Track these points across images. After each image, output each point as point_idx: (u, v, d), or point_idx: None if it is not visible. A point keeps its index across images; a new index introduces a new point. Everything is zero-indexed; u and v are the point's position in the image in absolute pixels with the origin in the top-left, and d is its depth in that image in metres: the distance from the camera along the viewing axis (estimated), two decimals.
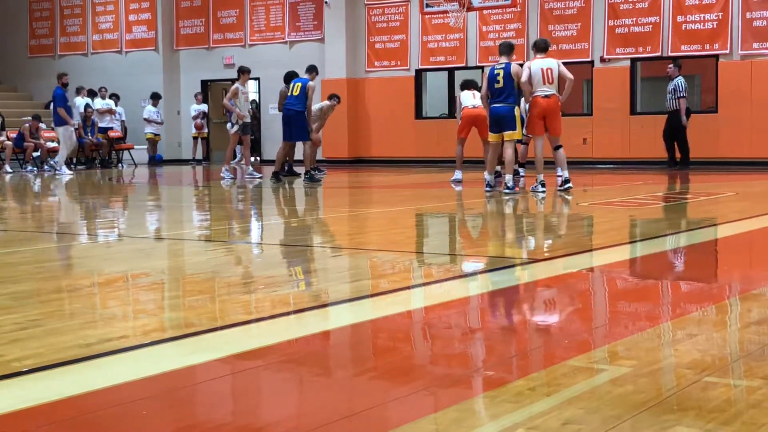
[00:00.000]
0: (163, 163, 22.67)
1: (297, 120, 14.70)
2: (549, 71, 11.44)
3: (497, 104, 11.37)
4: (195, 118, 22.46)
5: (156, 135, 22.40)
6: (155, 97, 22.19)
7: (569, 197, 10.94)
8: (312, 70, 15.08)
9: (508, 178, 11.39)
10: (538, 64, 11.52)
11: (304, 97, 14.54)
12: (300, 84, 14.63)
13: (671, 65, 17.03)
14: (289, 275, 5.57)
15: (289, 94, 14.79)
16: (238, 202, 12.12)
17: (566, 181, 11.41)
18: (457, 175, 13.93)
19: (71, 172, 18.47)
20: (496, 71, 11.37)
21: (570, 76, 11.56)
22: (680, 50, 17.98)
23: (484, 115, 12.65)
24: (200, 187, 15.48)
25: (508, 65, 11.36)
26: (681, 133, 16.87)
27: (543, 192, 11.20)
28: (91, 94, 21.50)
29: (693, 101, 20.08)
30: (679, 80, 16.78)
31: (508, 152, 11.43)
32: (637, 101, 18.69)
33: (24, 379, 3.10)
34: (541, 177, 11.37)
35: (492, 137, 11.64)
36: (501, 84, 11.26)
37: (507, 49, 11.63)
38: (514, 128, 11.40)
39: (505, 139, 11.44)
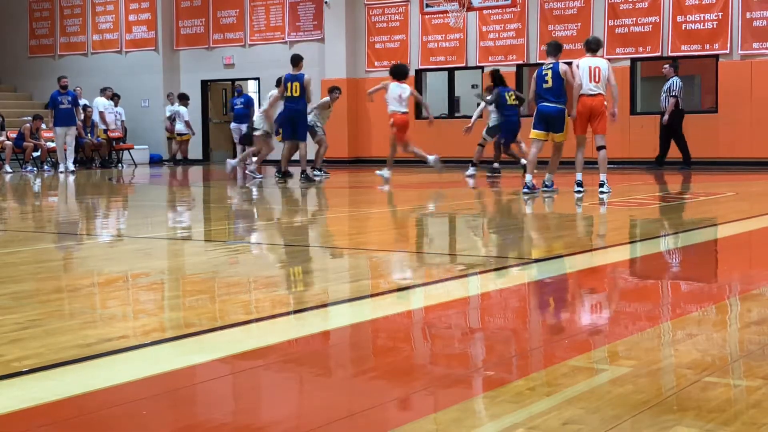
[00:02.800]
0: (161, 162, 22.65)
1: (301, 120, 14.76)
2: (597, 70, 11.31)
3: (548, 104, 11.26)
4: (169, 119, 22.00)
5: (185, 135, 22.10)
6: (184, 98, 21.93)
7: (604, 198, 10.82)
8: (299, 60, 15.06)
9: (531, 178, 11.25)
10: (587, 62, 11.40)
11: (304, 93, 14.58)
12: (297, 83, 14.60)
13: (666, 65, 17.07)
14: (289, 275, 5.56)
15: (288, 95, 14.76)
16: (241, 202, 12.12)
17: (602, 184, 11.31)
18: (384, 172, 14.61)
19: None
20: (544, 71, 11.31)
21: (614, 81, 11.51)
22: (680, 50, 17.97)
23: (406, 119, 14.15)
24: (204, 187, 15.48)
25: (556, 64, 11.26)
26: (674, 134, 16.90)
27: (532, 193, 11.13)
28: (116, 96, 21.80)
29: (693, 101, 20.08)
30: (674, 80, 16.83)
31: (533, 151, 11.44)
32: (637, 101, 18.68)
33: (24, 379, 3.10)
34: (530, 177, 11.31)
35: (539, 135, 11.38)
36: (550, 84, 11.22)
37: (554, 49, 11.55)
38: (562, 129, 11.32)
39: (555, 140, 11.35)
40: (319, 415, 2.72)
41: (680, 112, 16.92)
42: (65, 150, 18.81)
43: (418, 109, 20.79)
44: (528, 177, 11.28)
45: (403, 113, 14.35)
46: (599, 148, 11.53)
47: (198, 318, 4.12)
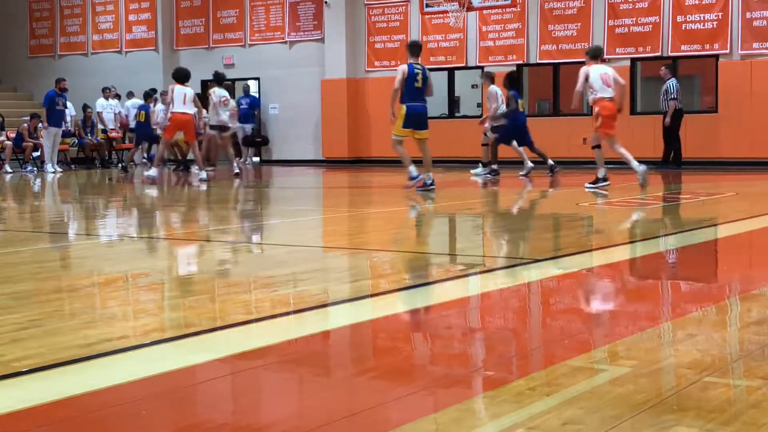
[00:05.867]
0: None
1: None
2: (607, 76, 11.80)
3: (416, 104, 11.84)
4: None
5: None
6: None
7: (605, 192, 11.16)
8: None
9: (428, 176, 11.83)
10: (597, 69, 11.84)
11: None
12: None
13: (663, 68, 17.11)
14: (289, 275, 5.56)
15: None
16: (236, 202, 12.12)
17: (602, 179, 11.75)
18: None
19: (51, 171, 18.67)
20: (416, 71, 11.81)
21: (622, 81, 12.15)
22: (680, 50, 17.97)
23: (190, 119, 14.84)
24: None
25: (423, 67, 12.00)
26: (672, 133, 16.95)
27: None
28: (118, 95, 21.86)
29: (693, 101, 20.09)
30: (671, 82, 16.88)
31: (428, 157, 11.97)
32: (637, 101, 18.68)
33: (24, 379, 3.09)
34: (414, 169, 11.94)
35: (405, 133, 11.94)
36: (420, 84, 11.77)
37: (418, 49, 12.33)
38: (427, 127, 12.07)
39: (419, 137, 11.96)
40: (319, 415, 2.72)
41: (679, 112, 16.97)
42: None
43: None
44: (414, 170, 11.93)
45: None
46: (597, 147, 11.94)
47: (198, 318, 4.12)
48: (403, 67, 11.83)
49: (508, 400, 2.78)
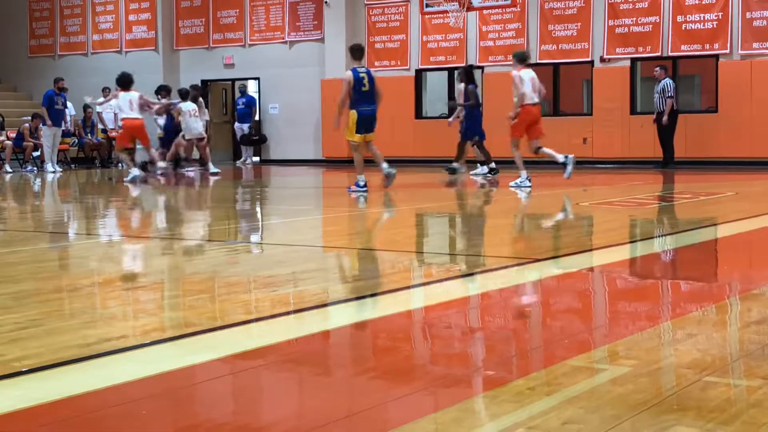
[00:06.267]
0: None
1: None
2: (535, 81, 12.30)
3: (368, 107, 11.89)
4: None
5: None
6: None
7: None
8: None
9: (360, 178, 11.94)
10: (528, 74, 12.33)
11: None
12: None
13: (658, 68, 17.14)
14: (289, 275, 5.56)
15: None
16: (236, 202, 12.12)
17: (566, 159, 12.20)
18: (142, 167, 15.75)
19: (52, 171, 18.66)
20: (361, 75, 11.83)
21: (544, 90, 12.86)
22: (680, 50, 17.98)
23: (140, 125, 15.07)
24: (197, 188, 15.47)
25: (368, 69, 12.08)
26: (666, 133, 16.98)
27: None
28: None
29: (693, 101, 20.09)
30: (667, 81, 16.91)
31: (377, 152, 12.11)
32: (637, 101, 18.68)
33: (24, 379, 3.09)
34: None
35: (360, 138, 11.95)
36: (368, 87, 11.81)
37: (361, 53, 12.35)
38: (374, 130, 12.09)
39: (369, 140, 12.00)
40: (319, 415, 2.72)
41: (675, 112, 17.01)
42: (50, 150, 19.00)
43: (418, 108, 20.82)
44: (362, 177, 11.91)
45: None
46: (540, 149, 12.42)
47: (198, 318, 4.12)
48: (348, 75, 11.86)
49: (508, 400, 2.78)
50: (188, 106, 17.41)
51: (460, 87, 15.53)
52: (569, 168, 12.17)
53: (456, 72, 16.82)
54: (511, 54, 19.19)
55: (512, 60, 12.85)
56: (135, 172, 14.91)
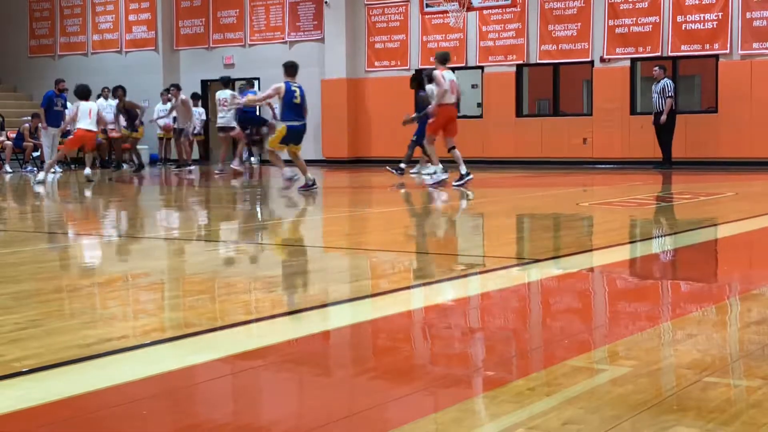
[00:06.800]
0: (159, 162, 22.61)
1: None
2: (454, 83, 12.89)
3: (297, 122, 12.12)
4: (161, 118, 21.68)
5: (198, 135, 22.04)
6: (196, 97, 21.78)
7: (469, 192, 11.95)
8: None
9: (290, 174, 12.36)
10: (449, 75, 12.92)
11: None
12: None
13: (657, 68, 17.15)
14: (288, 275, 5.56)
15: None
16: (236, 202, 12.12)
17: (466, 175, 12.61)
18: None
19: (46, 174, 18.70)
20: (293, 88, 12.07)
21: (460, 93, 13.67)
22: (680, 50, 17.98)
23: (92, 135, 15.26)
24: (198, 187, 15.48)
25: (300, 86, 12.29)
26: (665, 133, 16.98)
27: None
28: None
29: (693, 101, 20.09)
30: (667, 81, 16.91)
31: (302, 163, 12.37)
32: (637, 101, 18.69)
33: (24, 379, 3.09)
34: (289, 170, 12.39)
35: (283, 148, 12.29)
36: (299, 101, 12.09)
37: (294, 70, 12.46)
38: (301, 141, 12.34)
39: (294, 150, 12.29)
40: (319, 415, 2.72)
41: (673, 112, 17.01)
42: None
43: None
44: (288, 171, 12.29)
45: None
46: (452, 149, 12.90)
47: (198, 318, 4.12)
48: (280, 84, 12.12)
49: (508, 400, 2.78)
50: (221, 94, 17.51)
51: (422, 94, 15.31)
52: (463, 181, 12.54)
53: (411, 80, 16.81)
54: (512, 54, 19.37)
55: (434, 61, 13.46)
56: (87, 171, 15.47)
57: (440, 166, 13.02)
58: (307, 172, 12.29)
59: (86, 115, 15.18)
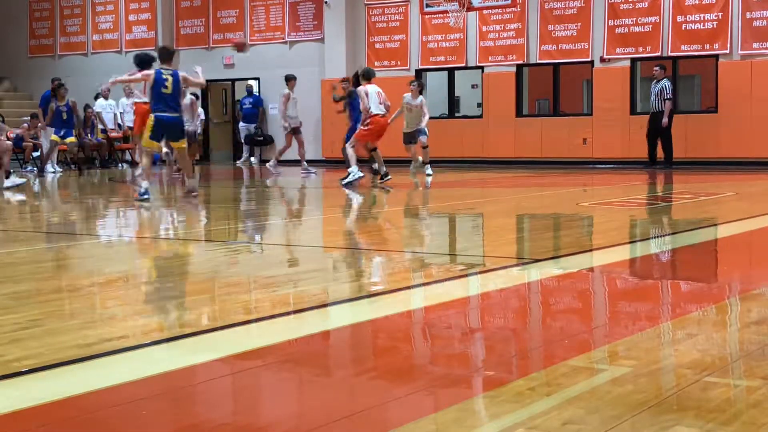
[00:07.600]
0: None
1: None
2: (380, 94, 13.44)
3: (166, 113, 10.77)
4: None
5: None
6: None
7: (390, 189, 12.64)
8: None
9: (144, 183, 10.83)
10: (374, 88, 13.47)
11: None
12: None
13: (657, 67, 17.16)
14: (289, 275, 5.56)
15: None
16: (240, 202, 12.12)
17: (386, 174, 13.43)
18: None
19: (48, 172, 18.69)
20: (164, 76, 10.78)
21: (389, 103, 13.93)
22: (680, 50, 17.98)
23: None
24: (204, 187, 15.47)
25: (175, 72, 11.06)
26: (665, 133, 17.02)
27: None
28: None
29: (693, 101, 20.10)
30: (666, 82, 16.93)
31: (186, 160, 11.54)
32: (637, 101, 18.69)
33: (24, 379, 3.09)
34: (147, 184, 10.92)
35: (153, 144, 11.07)
36: (169, 90, 10.76)
37: (168, 55, 11.36)
38: (180, 137, 11.07)
39: (179, 148, 11.23)
40: (319, 415, 2.72)
41: (671, 112, 17.04)
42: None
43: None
44: (145, 184, 10.80)
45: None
46: (375, 150, 13.85)
47: (198, 318, 4.12)
48: (149, 72, 11.02)
49: (508, 400, 2.78)
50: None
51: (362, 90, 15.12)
52: (352, 178, 13.21)
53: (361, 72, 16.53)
54: (512, 54, 19.37)
55: (360, 77, 13.85)
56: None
57: (356, 167, 13.46)
58: (192, 176, 11.38)
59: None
